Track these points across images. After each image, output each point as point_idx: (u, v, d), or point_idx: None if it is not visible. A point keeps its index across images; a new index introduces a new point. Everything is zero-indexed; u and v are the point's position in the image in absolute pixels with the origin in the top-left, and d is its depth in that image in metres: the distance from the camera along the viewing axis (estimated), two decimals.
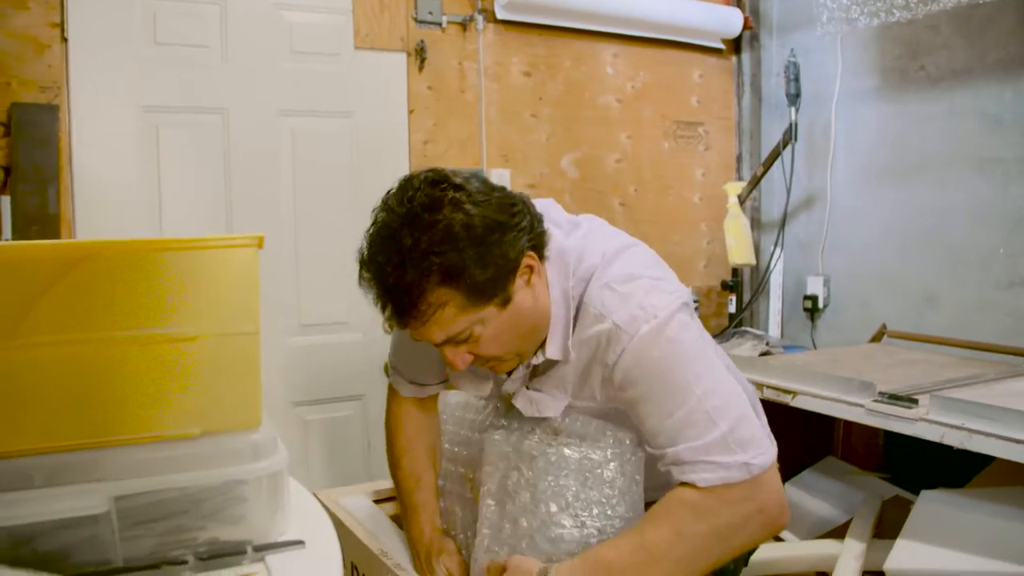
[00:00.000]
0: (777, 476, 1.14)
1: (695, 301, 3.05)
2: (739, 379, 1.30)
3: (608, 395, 1.18)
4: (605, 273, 1.17)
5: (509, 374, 1.26)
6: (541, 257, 1.16)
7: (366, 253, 1.10)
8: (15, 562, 0.83)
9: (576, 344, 1.18)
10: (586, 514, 1.09)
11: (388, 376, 1.51)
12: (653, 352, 1.11)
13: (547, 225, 1.19)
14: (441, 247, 1.04)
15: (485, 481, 1.18)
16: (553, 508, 1.10)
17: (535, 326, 1.17)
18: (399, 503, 1.44)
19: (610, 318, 1.13)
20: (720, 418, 1.09)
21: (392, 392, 1.50)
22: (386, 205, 1.10)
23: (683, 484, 1.10)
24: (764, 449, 1.12)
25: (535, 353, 1.21)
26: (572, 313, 1.17)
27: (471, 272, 1.05)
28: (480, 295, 1.08)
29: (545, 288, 1.18)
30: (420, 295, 1.05)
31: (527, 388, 1.26)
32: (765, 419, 1.31)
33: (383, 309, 1.10)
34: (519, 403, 1.26)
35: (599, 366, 1.16)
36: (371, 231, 1.10)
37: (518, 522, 1.12)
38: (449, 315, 1.07)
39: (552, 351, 1.19)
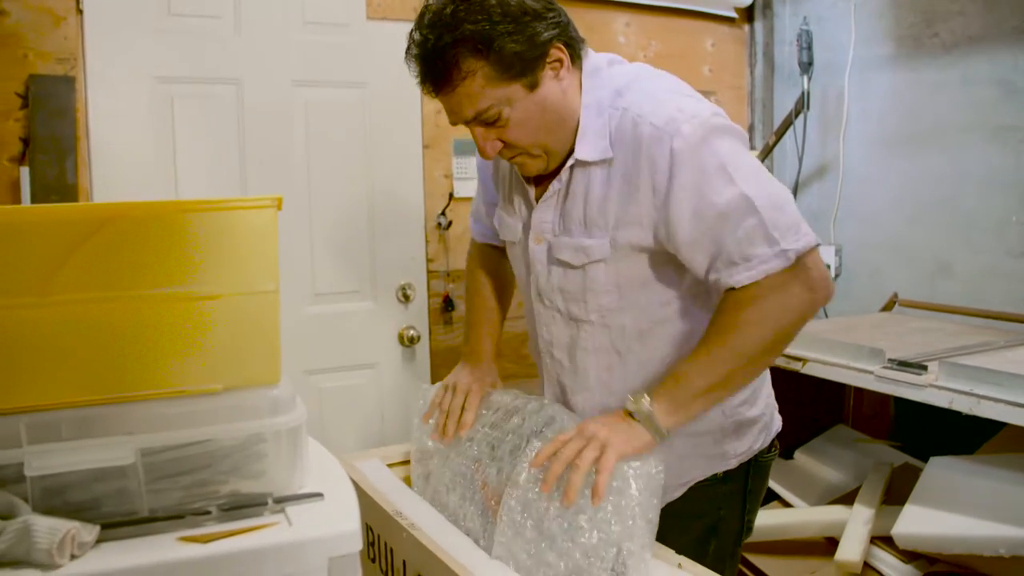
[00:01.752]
0: (818, 256, 1.19)
1: None
2: None
3: (656, 207, 1.20)
4: (640, 85, 1.25)
5: (538, 198, 1.32)
6: (573, 59, 1.24)
7: (415, 31, 1.19)
8: (49, 512, 0.86)
9: (616, 148, 1.22)
10: (608, 523, 1.09)
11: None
12: (696, 149, 1.16)
13: (591, 52, 1.29)
14: (476, 17, 1.13)
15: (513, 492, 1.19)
16: (581, 522, 1.09)
17: (562, 119, 1.23)
18: (465, 326, 1.61)
19: (648, 119, 1.19)
20: (761, 203, 1.14)
21: (472, 242, 1.66)
22: None
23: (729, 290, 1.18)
24: (804, 232, 1.16)
25: (564, 161, 1.27)
26: (607, 120, 1.23)
27: (500, 43, 1.13)
28: (507, 69, 1.16)
29: (576, 91, 1.25)
30: (453, 60, 1.14)
31: (560, 236, 1.31)
32: None
33: (422, 81, 1.20)
34: (565, 255, 1.31)
35: (648, 173, 1.19)
36: (420, 12, 1.19)
37: (541, 525, 1.12)
38: (478, 86, 1.16)
39: (584, 151, 1.24)
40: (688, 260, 1.22)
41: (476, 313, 1.57)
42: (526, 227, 1.38)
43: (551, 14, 1.19)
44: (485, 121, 1.20)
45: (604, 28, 2.85)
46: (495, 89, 1.17)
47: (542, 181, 1.33)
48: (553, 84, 1.21)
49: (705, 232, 1.17)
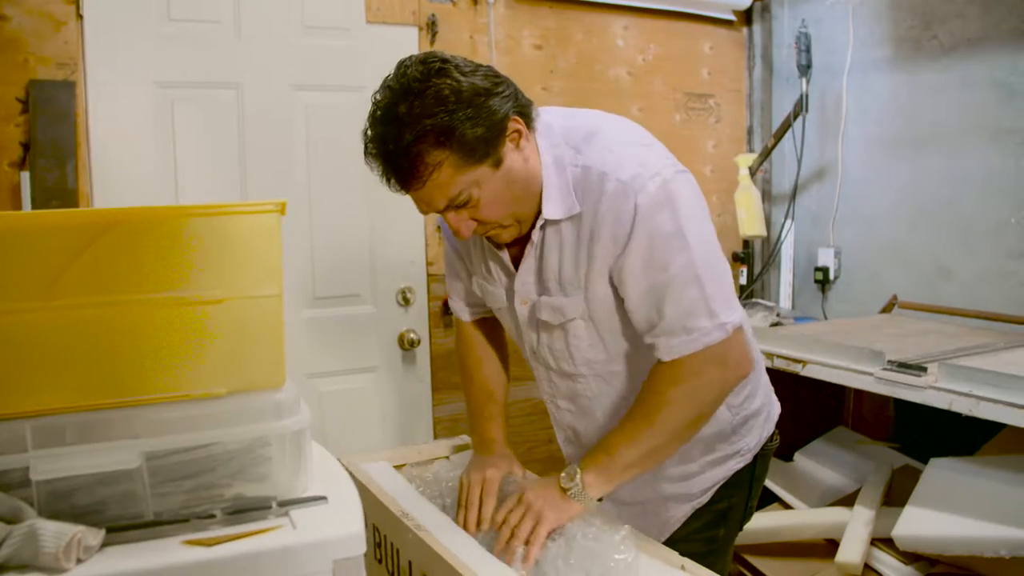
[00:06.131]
0: (742, 332, 1.25)
1: None
2: None
3: (615, 256, 1.23)
4: (599, 138, 1.25)
5: (516, 267, 1.34)
6: (528, 125, 1.24)
7: (369, 130, 1.18)
8: (55, 516, 0.86)
9: (582, 204, 1.24)
10: None
11: (451, 312, 1.63)
12: (658, 209, 1.19)
13: (539, 110, 1.29)
14: (432, 110, 1.12)
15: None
16: None
17: (528, 188, 1.24)
18: (468, 415, 1.57)
19: (613, 175, 1.20)
20: (706, 277, 1.20)
21: (457, 321, 1.62)
22: (384, 85, 1.18)
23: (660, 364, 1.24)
24: (736, 306, 1.24)
25: (534, 224, 1.28)
26: (569, 178, 1.24)
27: (461, 131, 1.13)
28: (472, 154, 1.15)
29: (535, 154, 1.26)
30: (418, 157, 1.14)
31: (540, 296, 1.34)
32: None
33: (388, 179, 1.20)
34: (544, 315, 1.33)
35: (609, 226, 1.21)
36: (372, 110, 1.18)
37: None
38: (446, 176, 1.16)
39: (551, 211, 1.25)
40: (631, 313, 1.26)
41: (476, 400, 1.55)
42: (509, 292, 1.39)
43: (501, 87, 1.19)
44: (457, 206, 1.20)
45: (603, 31, 2.86)
46: (463, 175, 1.17)
47: (515, 243, 1.34)
48: (515, 155, 1.21)
49: (651, 291, 1.21)
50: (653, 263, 1.20)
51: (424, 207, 1.23)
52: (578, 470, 1.23)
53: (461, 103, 1.13)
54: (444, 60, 1.17)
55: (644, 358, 1.31)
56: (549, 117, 1.30)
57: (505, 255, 1.35)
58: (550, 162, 1.25)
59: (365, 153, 1.20)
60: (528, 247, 1.31)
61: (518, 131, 1.21)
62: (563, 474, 1.23)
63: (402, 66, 1.18)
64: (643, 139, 1.29)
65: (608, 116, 1.33)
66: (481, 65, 1.21)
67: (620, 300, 1.27)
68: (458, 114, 1.13)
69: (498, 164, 1.19)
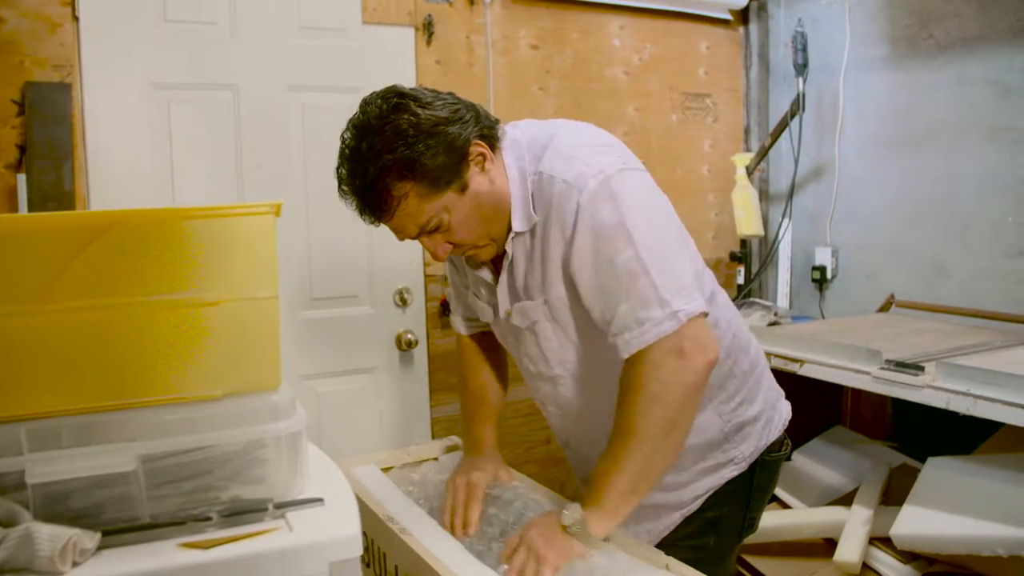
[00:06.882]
0: (703, 323, 1.21)
1: None
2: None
3: (564, 256, 1.25)
4: (554, 145, 1.28)
5: (496, 275, 1.36)
6: (493, 147, 1.27)
7: (340, 168, 1.24)
8: (51, 519, 0.86)
9: (538, 211, 1.27)
10: None
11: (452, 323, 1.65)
12: (599, 204, 1.20)
13: (507, 127, 1.32)
14: (392, 145, 1.17)
15: None
16: None
17: (497, 208, 1.28)
18: (462, 419, 1.60)
19: (560, 177, 1.23)
20: (655, 267, 1.18)
21: (456, 335, 1.64)
22: (350, 124, 1.23)
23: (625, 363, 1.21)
24: (695, 297, 1.20)
25: (508, 237, 1.31)
26: (529, 187, 1.27)
27: (422, 162, 1.17)
28: (436, 182, 1.19)
29: (502, 173, 1.28)
30: (384, 190, 1.19)
31: (513, 304, 1.36)
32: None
33: (361, 213, 1.25)
34: (516, 319, 1.37)
35: (558, 227, 1.24)
36: (341, 149, 1.24)
37: None
38: (413, 206, 1.20)
39: (517, 223, 1.28)
40: (590, 312, 1.25)
41: (469, 404, 1.58)
42: (493, 306, 1.41)
43: (460, 113, 1.22)
44: (429, 232, 1.24)
45: (599, 31, 2.86)
46: (430, 203, 1.20)
47: (497, 259, 1.36)
48: (481, 178, 1.24)
49: (601, 289, 1.21)
50: (600, 259, 1.20)
51: (400, 235, 1.27)
52: (579, 508, 1.21)
53: (420, 134, 1.17)
54: (402, 95, 1.20)
55: (616, 355, 1.30)
56: (516, 132, 1.32)
57: (485, 272, 1.38)
58: (516, 176, 1.28)
59: (339, 191, 1.25)
60: (504, 261, 1.33)
61: (482, 154, 1.24)
62: (565, 510, 1.21)
63: (364, 104, 1.22)
64: (597, 140, 1.30)
65: (568, 122, 1.35)
66: (442, 94, 1.24)
67: (578, 300, 1.27)
68: (418, 146, 1.16)
69: (464, 189, 1.22)
